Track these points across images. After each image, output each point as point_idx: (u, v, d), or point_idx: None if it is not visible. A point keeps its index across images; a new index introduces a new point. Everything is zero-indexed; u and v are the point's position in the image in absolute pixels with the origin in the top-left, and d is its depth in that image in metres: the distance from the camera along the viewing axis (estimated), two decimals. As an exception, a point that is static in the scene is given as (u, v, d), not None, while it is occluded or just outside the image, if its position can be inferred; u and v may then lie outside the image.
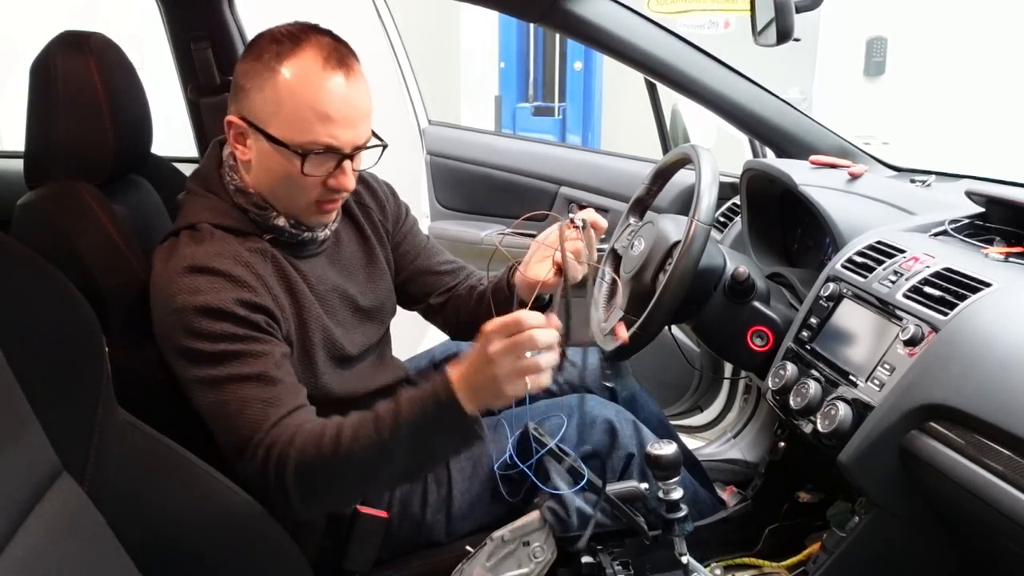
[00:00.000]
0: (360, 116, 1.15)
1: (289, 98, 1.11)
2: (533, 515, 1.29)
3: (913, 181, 1.62)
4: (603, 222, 1.29)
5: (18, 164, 1.33)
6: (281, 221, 1.21)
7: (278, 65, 1.12)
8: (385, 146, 1.22)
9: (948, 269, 1.18)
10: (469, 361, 1.04)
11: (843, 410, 1.18)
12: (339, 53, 1.14)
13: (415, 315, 1.57)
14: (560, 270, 1.27)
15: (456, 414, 1.03)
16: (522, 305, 1.33)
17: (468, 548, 1.28)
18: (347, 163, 1.16)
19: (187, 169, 1.41)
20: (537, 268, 1.31)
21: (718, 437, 2.04)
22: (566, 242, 1.25)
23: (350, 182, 1.18)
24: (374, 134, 1.20)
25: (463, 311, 1.46)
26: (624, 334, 1.30)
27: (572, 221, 1.28)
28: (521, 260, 1.36)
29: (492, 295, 1.39)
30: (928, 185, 1.59)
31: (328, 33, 1.17)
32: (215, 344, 1.09)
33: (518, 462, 1.26)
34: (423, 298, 1.48)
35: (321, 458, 1.05)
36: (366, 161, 1.23)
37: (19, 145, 1.32)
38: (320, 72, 1.11)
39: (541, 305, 1.31)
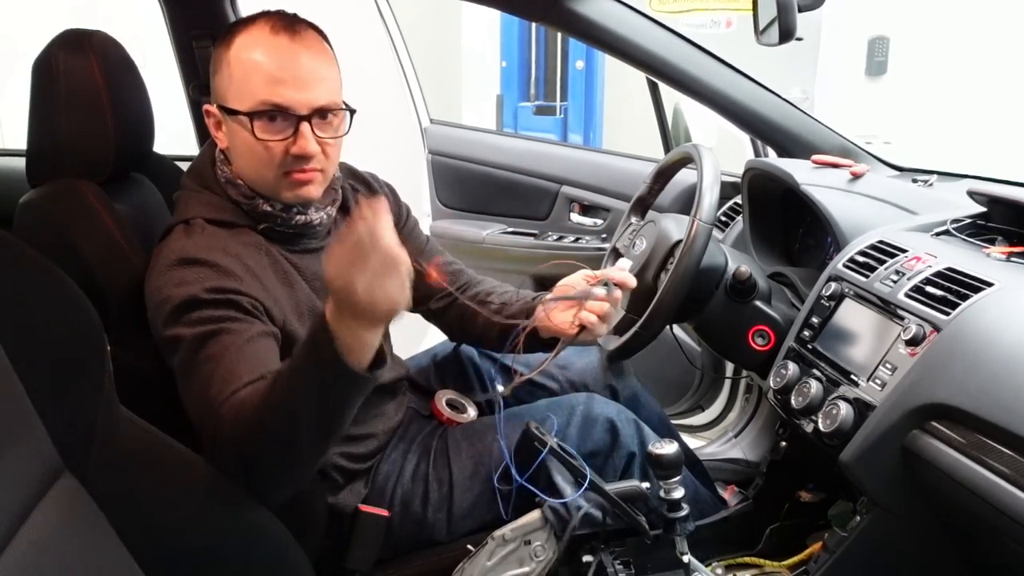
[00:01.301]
0: (312, 77, 1.15)
1: (238, 67, 1.14)
2: (534, 514, 1.29)
3: (915, 181, 1.62)
4: (632, 281, 1.28)
5: (20, 162, 1.33)
6: (268, 206, 1.20)
7: (230, 40, 1.15)
8: (353, 112, 1.20)
9: (950, 269, 1.18)
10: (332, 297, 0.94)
11: (845, 409, 1.18)
12: (289, 21, 1.15)
13: (415, 314, 1.57)
14: (581, 327, 1.26)
15: (331, 353, 0.94)
16: (541, 343, 1.33)
17: (469, 547, 1.28)
18: (304, 126, 1.14)
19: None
20: (561, 316, 1.29)
21: (719, 436, 2.04)
22: (590, 302, 1.24)
23: (310, 146, 1.15)
24: (345, 105, 1.18)
25: (468, 327, 1.44)
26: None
27: (601, 279, 1.26)
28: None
29: (509, 328, 1.34)
30: (930, 185, 1.59)
31: (290, 14, 1.18)
32: (193, 328, 1.07)
33: (517, 477, 1.24)
34: (423, 301, 1.46)
35: (243, 431, 0.99)
36: (336, 130, 1.19)
37: (21, 143, 1.32)
38: (266, 37, 1.14)
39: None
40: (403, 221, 1.45)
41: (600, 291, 1.25)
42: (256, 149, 1.15)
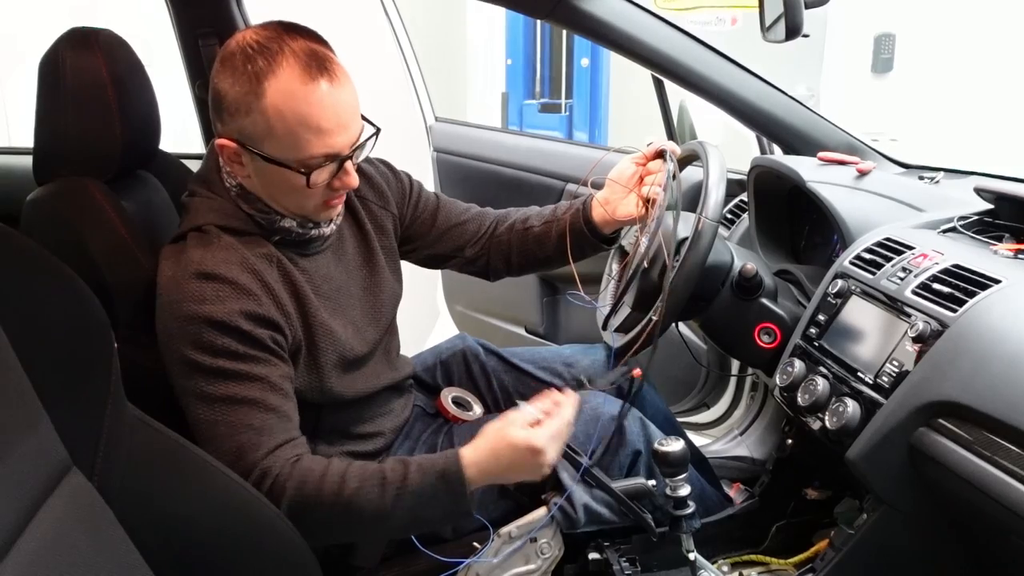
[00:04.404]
0: (351, 115, 1.14)
1: (279, 119, 1.09)
2: (540, 511, 1.29)
3: (922, 178, 1.61)
4: (677, 147, 1.35)
5: (27, 160, 1.34)
6: (288, 223, 1.21)
7: (259, 86, 1.08)
8: (378, 130, 1.21)
9: (957, 266, 1.18)
10: (490, 447, 1.11)
11: (851, 407, 1.18)
12: (317, 58, 1.10)
13: (420, 312, 1.57)
14: (648, 202, 1.32)
15: (459, 494, 1.10)
16: (603, 241, 1.40)
17: (475, 544, 1.28)
18: (348, 163, 1.16)
19: (195, 166, 1.41)
20: (623, 205, 1.37)
21: (725, 434, 2.03)
22: (654, 175, 1.32)
23: (354, 180, 1.18)
24: (365, 119, 1.18)
25: (515, 253, 1.47)
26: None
27: (657, 153, 1.33)
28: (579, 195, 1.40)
29: (566, 235, 1.42)
30: (937, 182, 1.58)
31: (299, 32, 1.12)
32: (215, 359, 1.09)
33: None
34: (456, 253, 1.48)
35: (319, 499, 1.08)
36: (364, 152, 1.21)
37: (28, 141, 1.33)
38: (304, 86, 1.08)
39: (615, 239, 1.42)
40: (407, 193, 1.44)
41: (671, 165, 1.31)
42: (301, 190, 1.14)
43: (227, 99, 1.11)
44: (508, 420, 1.13)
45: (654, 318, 1.25)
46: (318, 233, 1.24)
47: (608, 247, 1.44)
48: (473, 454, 1.11)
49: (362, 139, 1.17)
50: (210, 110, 1.16)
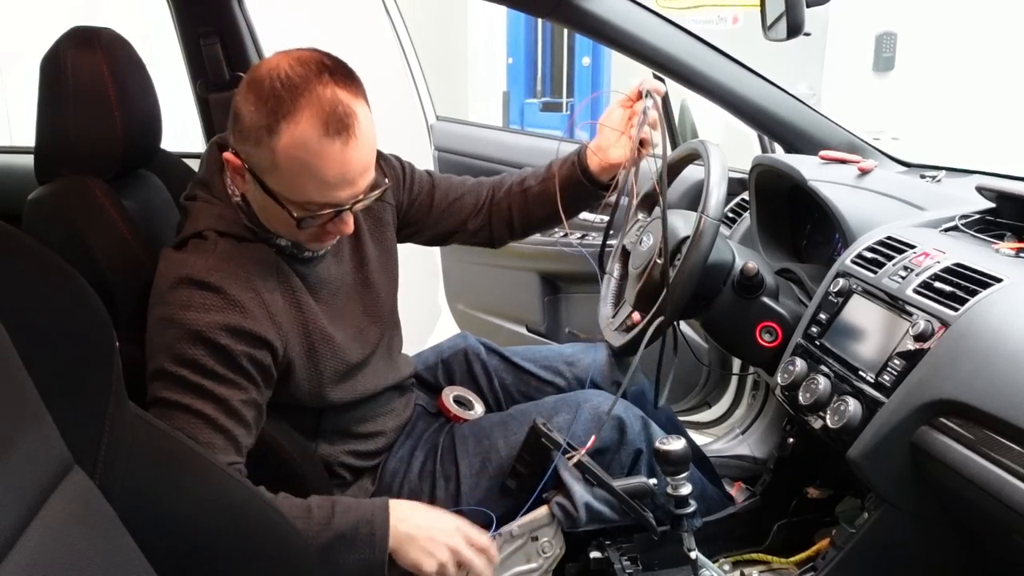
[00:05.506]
0: (359, 173, 1.11)
1: (285, 161, 1.07)
2: (542, 510, 1.29)
3: (923, 176, 1.61)
4: (661, 86, 1.36)
5: (28, 159, 1.34)
6: (283, 241, 1.21)
7: (276, 124, 1.05)
8: (386, 189, 1.20)
9: (959, 264, 1.18)
10: (421, 519, 1.15)
11: (853, 406, 1.18)
12: (338, 115, 1.06)
13: (421, 311, 1.57)
14: (639, 143, 1.34)
15: (378, 548, 1.11)
16: (601, 187, 1.43)
17: (476, 543, 1.28)
18: (347, 213, 1.14)
19: (196, 164, 1.41)
20: (615, 152, 1.39)
21: (726, 433, 2.04)
22: (642, 113, 1.33)
23: (348, 228, 1.16)
24: (380, 159, 1.16)
25: (517, 217, 1.48)
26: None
27: (639, 93, 1.35)
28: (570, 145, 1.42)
29: (564, 189, 1.43)
30: (938, 180, 1.58)
31: (332, 75, 1.08)
32: (178, 368, 1.09)
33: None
34: (459, 228, 1.49)
35: None
36: (365, 203, 1.18)
37: (30, 140, 1.33)
38: (318, 141, 1.05)
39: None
40: (403, 180, 1.43)
41: (650, 102, 1.33)
42: (292, 222, 1.12)
43: (243, 122, 1.09)
44: (453, 516, 1.19)
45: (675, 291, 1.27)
46: (311, 254, 1.24)
47: (606, 193, 1.44)
48: (401, 509, 1.14)
49: (367, 194, 1.15)
50: (229, 119, 1.13)
